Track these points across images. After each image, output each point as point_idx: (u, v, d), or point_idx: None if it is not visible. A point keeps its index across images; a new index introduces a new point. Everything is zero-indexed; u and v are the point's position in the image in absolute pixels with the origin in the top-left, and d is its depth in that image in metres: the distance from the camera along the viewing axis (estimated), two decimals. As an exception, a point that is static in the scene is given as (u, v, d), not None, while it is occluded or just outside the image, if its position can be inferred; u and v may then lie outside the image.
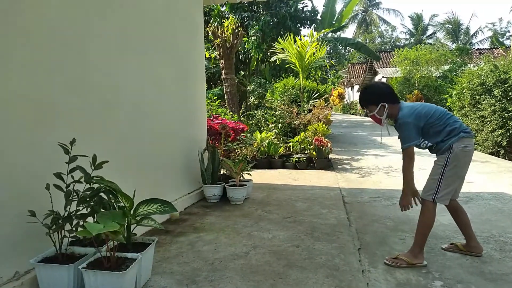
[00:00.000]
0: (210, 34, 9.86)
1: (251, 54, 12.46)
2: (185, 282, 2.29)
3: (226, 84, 10.14)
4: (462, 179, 2.61)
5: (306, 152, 7.07)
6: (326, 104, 9.35)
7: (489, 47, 27.83)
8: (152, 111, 3.57)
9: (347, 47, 25.46)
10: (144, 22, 3.46)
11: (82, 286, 2.01)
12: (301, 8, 12.98)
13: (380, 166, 6.85)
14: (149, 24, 3.55)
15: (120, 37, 3.06)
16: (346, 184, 5.36)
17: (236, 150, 5.97)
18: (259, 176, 5.86)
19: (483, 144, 8.55)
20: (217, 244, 2.96)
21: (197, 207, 4.18)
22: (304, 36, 12.09)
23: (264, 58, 12.94)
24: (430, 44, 22.34)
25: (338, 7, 21.55)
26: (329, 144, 6.76)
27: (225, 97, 10.42)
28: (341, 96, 29.20)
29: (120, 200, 2.19)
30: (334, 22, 16.07)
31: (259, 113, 9.37)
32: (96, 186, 2.18)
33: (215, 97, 10.54)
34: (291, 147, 7.58)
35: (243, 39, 11.15)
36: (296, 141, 7.44)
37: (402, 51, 18.02)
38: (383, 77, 22.83)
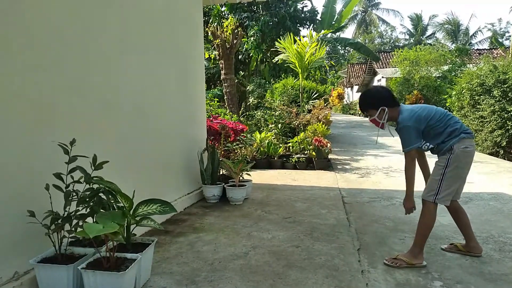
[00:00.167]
0: (209, 34, 9.87)
1: (251, 55, 12.46)
2: (184, 283, 2.29)
3: (225, 84, 10.14)
4: (464, 179, 2.61)
5: (305, 153, 7.07)
6: (325, 105, 9.36)
7: (488, 48, 27.87)
8: (152, 111, 3.58)
9: (347, 48, 25.46)
10: (144, 22, 3.46)
11: (82, 286, 2.01)
12: (300, 8, 12.98)
13: (379, 166, 6.85)
14: (149, 24, 3.55)
15: (120, 37, 3.06)
16: (346, 185, 5.36)
17: (236, 151, 5.98)
18: (258, 177, 5.86)
19: (482, 144, 8.55)
20: (217, 244, 2.96)
21: (196, 207, 4.18)
22: (303, 37, 12.10)
23: (263, 58, 12.94)
24: (430, 44, 22.35)
25: (338, 7, 21.55)
26: (328, 145, 6.77)
27: (225, 97, 10.42)
28: (340, 97, 29.24)
29: (119, 200, 2.19)
30: (333, 22, 16.06)
31: (259, 113, 9.38)
32: (95, 186, 2.18)
33: (214, 98, 10.54)
34: (290, 148, 7.58)
35: (242, 39, 11.15)
36: (296, 142, 7.45)
37: (401, 52, 18.03)
38: (382, 77, 22.86)
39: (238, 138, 5.58)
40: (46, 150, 2.22)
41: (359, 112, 22.69)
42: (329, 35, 16.47)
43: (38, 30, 2.22)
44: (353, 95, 32.78)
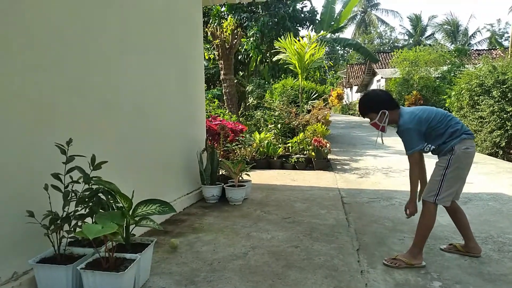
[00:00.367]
0: (209, 35, 9.87)
1: (250, 55, 12.47)
2: (183, 283, 2.29)
3: (225, 84, 10.14)
4: (464, 180, 2.60)
5: (305, 153, 7.08)
6: (325, 105, 9.35)
7: (487, 48, 27.93)
8: (152, 111, 3.58)
9: (346, 48, 25.49)
10: (144, 22, 3.46)
11: (81, 286, 2.00)
12: (300, 9, 12.99)
13: (379, 166, 6.86)
14: (149, 24, 3.55)
15: (120, 37, 3.06)
16: (345, 185, 5.36)
17: (235, 151, 5.97)
18: (258, 177, 5.87)
19: (481, 144, 8.56)
20: (216, 244, 2.96)
21: (196, 208, 4.18)
22: (302, 38, 12.11)
23: (263, 58, 12.94)
24: (429, 45, 22.38)
25: (337, 8, 21.57)
26: (328, 145, 6.77)
27: (224, 98, 10.42)
28: (340, 97, 29.24)
29: (118, 200, 2.19)
30: (333, 23, 16.07)
31: (258, 113, 9.38)
32: (95, 186, 2.18)
33: (214, 98, 10.54)
34: (290, 148, 7.59)
35: (242, 39, 11.16)
36: (295, 142, 7.45)
37: (401, 52, 18.07)
38: (382, 77, 22.89)
39: (237, 138, 5.58)
40: (46, 150, 2.22)
41: (358, 113, 22.70)
42: (328, 36, 16.49)
43: (38, 30, 2.22)
44: (352, 96, 32.82)
